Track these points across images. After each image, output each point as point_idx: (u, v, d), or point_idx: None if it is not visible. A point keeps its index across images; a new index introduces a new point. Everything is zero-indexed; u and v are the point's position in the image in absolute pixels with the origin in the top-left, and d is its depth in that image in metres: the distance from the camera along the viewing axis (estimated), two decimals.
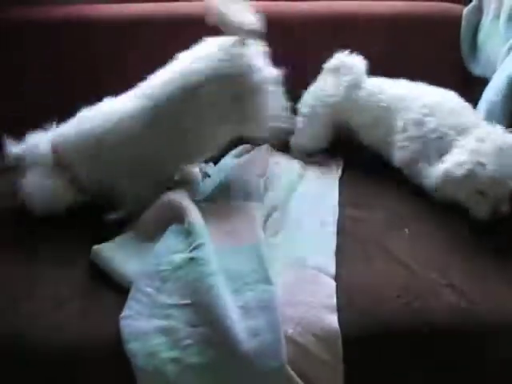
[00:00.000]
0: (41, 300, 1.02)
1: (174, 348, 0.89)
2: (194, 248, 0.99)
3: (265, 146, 1.49)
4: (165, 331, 0.91)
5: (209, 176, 1.41)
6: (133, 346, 0.89)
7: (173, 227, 1.07)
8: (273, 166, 1.40)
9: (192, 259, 0.97)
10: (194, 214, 1.05)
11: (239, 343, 0.88)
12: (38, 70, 1.55)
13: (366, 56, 1.47)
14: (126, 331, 0.90)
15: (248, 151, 1.51)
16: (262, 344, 0.89)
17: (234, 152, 1.48)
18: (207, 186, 1.35)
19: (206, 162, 1.47)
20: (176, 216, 1.08)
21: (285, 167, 1.39)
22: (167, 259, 0.99)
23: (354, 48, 1.50)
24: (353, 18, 1.58)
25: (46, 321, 0.98)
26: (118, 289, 1.03)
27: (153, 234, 1.11)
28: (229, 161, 1.44)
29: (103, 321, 0.97)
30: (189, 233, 1.03)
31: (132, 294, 0.96)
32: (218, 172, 1.39)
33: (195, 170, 1.20)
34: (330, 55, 1.46)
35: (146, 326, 0.91)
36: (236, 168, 1.36)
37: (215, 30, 1.46)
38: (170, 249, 1.02)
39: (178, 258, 0.99)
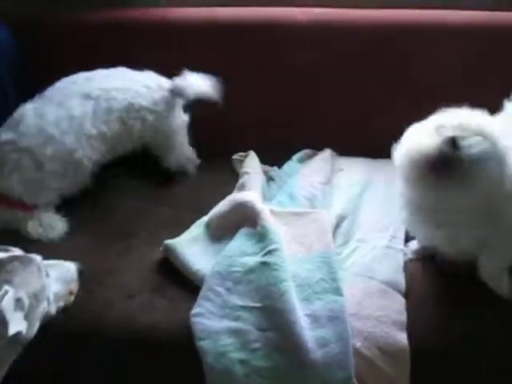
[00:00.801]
0: (113, 290, 1.06)
1: (242, 350, 0.91)
2: (268, 252, 1.00)
3: (328, 152, 1.49)
4: (234, 332, 0.92)
5: (273, 180, 1.42)
6: (204, 344, 0.91)
7: (245, 229, 1.08)
8: (337, 173, 1.40)
9: (265, 263, 0.98)
10: (268, 219, 1.06)
11: (308, 351, 0.89)
12: None
13: (442, 68, 1.46)
14: (197, 329, 0.93)
15: (310, 156, 1.51)
16: (330, 354, 0.90)
17: (296, 156, 1.49)
18: (272, 189, 1.36)
19: (271, 165, 1.49)
20: (248, 218, 1.10)
21: (349, 175, 1.38)
22: (239, 261, 1.01)
23: (429, 60, 1.49)
24: (427, 27, 1.55)
25: (119, 310, 1.02)
26: (186, 284, 1.06)
27: (222, 234, 1.13)
28: (292, 165, 1.44)
29: (171, 315, 1.01)
30: (262, 237, 1.04)
31: (203, 292, 0.98)
32: (282, 176, 1.40)
33: None
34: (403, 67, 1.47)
35: (217, 325, 0.93)
36: (301, 174, 1.36)
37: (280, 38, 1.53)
38: (242, 251, 1.03)
39: (251, 261, 1.00)
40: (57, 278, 0.83)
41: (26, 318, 0.71)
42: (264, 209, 1.09)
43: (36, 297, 0.74)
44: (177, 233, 1.19)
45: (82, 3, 1.66)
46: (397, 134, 1.50)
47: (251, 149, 1.53)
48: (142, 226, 1.24)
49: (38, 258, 0.79)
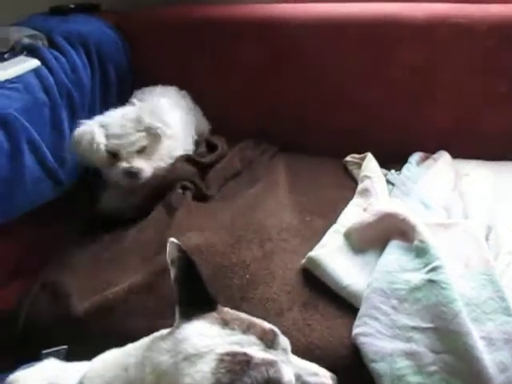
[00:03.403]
0: (261, 305, 1.02)
1: (419, 373, 0.86)
2: (432, 269, 0.95)
3: (447, 155, 1.42)
4: (409, 355, 0.88)
5: (392, 184, 1.37)
6: (378, 367, 0.87)
7: (397, 242, 1.03)
8: (462, 178, 1.34)
9: (432, 281, 0.93)
10: (425, 233, 1.01)
11: (489, 378, 0.84)
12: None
13: None
14: (368, 350, 0.88)
15: (423, 159, 1.45)
16: (511, 380, 0.85)
17: (413, 159, 1.42)
18: (395, 195, 1.30)
19: (388, 169, 1.43)
20: (397, 231, 1.05)
21: (477, 180, 1.31)
22: (401, 278, 0.96)
23: None
24: None
25: None
26: (335, 298, 1.02)
27: (365, 245, 1.08)
28: (412, 169, 1.38)
29: (327, 333, 0.96)
30: (421, 252, 0.98)
31: (366, 310, 0.94)
32: (404, 181, 1.34)
33: None
34: None
35: (390, 346, 0.89)
36: (427, 180, 1.30)
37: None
38: (401, 266, 0.98)
39: (415, 278, 0.95)
40: None
41: None
42: (419, 222, 1.03)
43: None
44: (308, 240, 1.17)
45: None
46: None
47: (358, 150, 1.49)
48: (272, 231, 1.19)
49: None
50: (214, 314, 0.64)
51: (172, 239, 0.65)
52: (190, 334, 0.61)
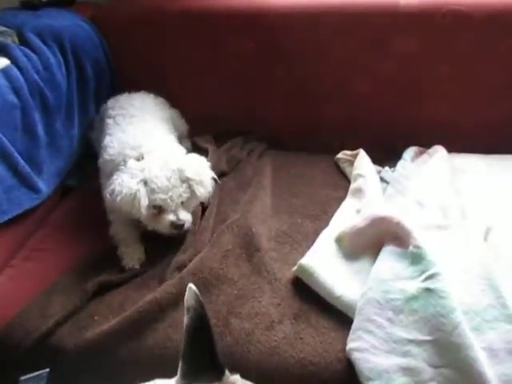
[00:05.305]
0: (251, 320, 0.96)
1: None
2: (428, 277, 0.89)
3: (443, 150, 1.36)
4: (406, 370, 0.83)
5: (386, 182, 1.31)
6: None
7: (390, 248, 0.98)
8: (458, 175, 1.27)
9: (429, 290, 0.88)
10: (421, 238, 0.95)
11: None
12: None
13: None
14: (364, 366, 0.83)
15: (417, 154, 1.38)
16: None
17: (407, 155, 1.36)
18: (388, 193, 1.24)
19: (382, 165, 1.37)
20: (389, 236, 0.99)
21: (475, 176, 1.25)
22: (396, 287, 0.90)
23: None
24: None
25: (261, 343, 0.92)
26: (327, 308, 0.96)
27: (358, 251, 1.03)
28: (407, 166, 1.32)
29: (321, 347, 0.91)
30: (417, 258, 0.93)
31: (360, 323, 0.89)
32: (398, 178, 1.28)
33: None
34: None
35: (386, 362, 0.83)
36: (421, 177, 1.24)
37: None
38: (395, 274, 0.93)
39: (411, 286, 0.89)
40: None
41: None
42: (414, 226, 0.98)
43: None
44: (298, 246, 1.11)
45: None
46: None
47: (350, 146, 1.42)
48: (261, 240, 1.12)
49: None
50: None
51: (191, 285, 0.57)
52: None
